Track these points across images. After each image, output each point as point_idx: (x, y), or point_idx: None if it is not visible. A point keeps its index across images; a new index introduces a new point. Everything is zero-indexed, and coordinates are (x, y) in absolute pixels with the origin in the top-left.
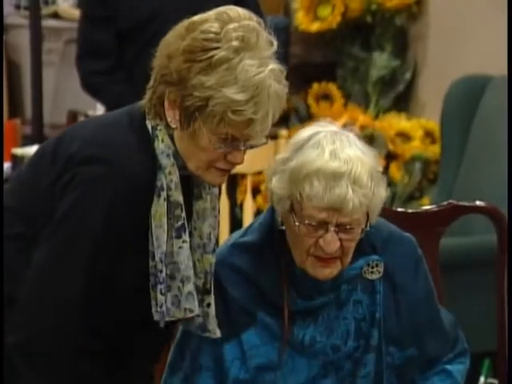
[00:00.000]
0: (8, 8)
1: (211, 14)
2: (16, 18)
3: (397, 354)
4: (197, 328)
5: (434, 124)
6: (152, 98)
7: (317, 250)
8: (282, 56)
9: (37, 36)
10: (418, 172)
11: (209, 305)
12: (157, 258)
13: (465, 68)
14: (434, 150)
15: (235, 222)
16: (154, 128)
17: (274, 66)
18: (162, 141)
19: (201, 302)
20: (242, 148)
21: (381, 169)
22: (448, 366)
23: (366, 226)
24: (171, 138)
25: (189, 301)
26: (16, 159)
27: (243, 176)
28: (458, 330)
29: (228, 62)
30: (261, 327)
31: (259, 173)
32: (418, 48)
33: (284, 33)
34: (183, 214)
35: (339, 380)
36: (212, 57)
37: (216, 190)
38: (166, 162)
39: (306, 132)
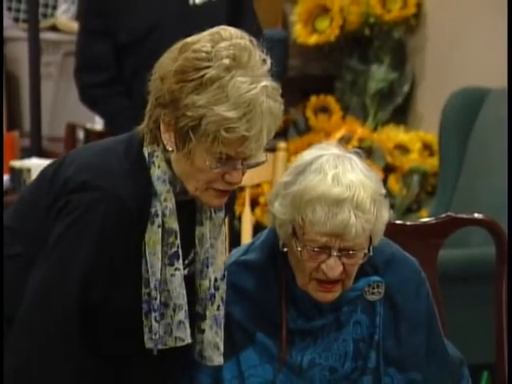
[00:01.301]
0: (7, 21)
1: (205, 34)
2: (15, 31)
3: (396, 376)
4: (197, 355)
5: (432, 136)
6: (149, 123)
7: (319, 274)
8: (281, 69)
9: (35, 49)
10: (416, 184)
11: (203, 331)
12: (151, 286)
13: (463, 80)
14: (432, 163)
15: (234, 235)
16: (151, 155)
17: (267, 82)
18: (159, 167)
19: (198, 328)
20: (240, 167)
21: (383, 191)
22: None
23: (368, 251)
24: (168, 162)
25: (180, 329)
26: (14, 172)
27: (242, 188)
28: (464, 368)
29: (219, 80)
30: (259, 347)
31: (258, 185)
32: (416, 61)
33: (282, 45)
34: (177, 242)
35: None
36: (203, 76)
37: (221, 215)
38: (162, 188)
39: (308, 155)
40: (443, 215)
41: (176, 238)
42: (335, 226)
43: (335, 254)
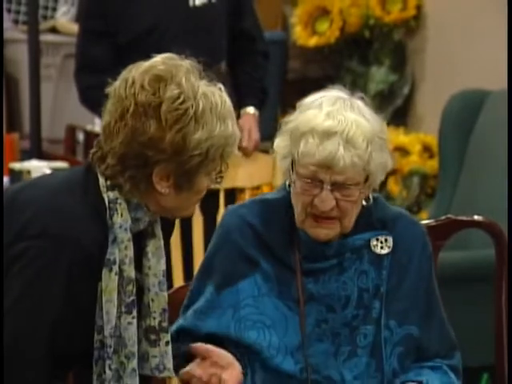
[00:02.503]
0: (6, 23)
1: (146, 82)
2: (14, 33)
3: (396, 329)
4: (153, 369)
5: (432, 138)
6: (131, 182)
7: (314, 209)
8: (281, 70)
9: (35, 50)
10: (416, 186)
11: (167, 343)
12: (106, 333)
13: (463, 82)
14: (432, 165)
15: None
16: (113, 201)
17: (219, 85)
18: (121, 215)
19: (156, 341)
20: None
21: (385, 136)
22: (445, 367)
23: (365, 188)
24: (137, 206)
25: (132, 377)
26: (14, 173)
27: (242, 190)
28: (457, 352)
29: (205, 108)
30: (260, 277)
31: (257, 187)
32: (416, 62)
33: (282, 47)
34: (134, 290)
35: (336, 345)
36: (195, 113)
37: (165, 228)
38: (123, 236)
39: (313, 96)
40: (443, 217)
41: (133, 286)
42: (324, 156)
43: (328, 187)
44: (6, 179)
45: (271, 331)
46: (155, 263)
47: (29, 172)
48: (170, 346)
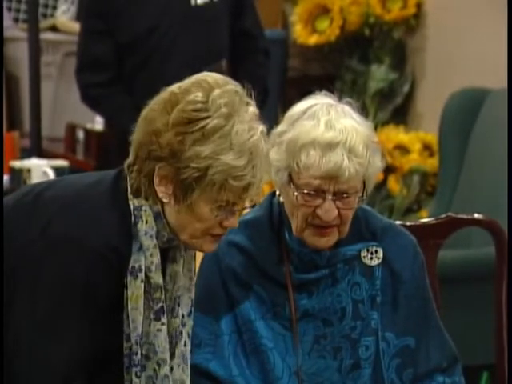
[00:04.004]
0: (7, 21)
1: (189, 83)
2: (14, 31)
3: (393, 341)
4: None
5: (432, 137)
6: (139, 177)
7: (315, 220)
8: (281, 69)
9: (35, 49)
10: (416, 185)
11: (171, 369)
12: (132, 340)
13: (463, 81)
14: (432, 163)
15: None
16: (138, 208)
17: (262, 127)
18: (146, 222)
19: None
20: (238, 211)
21: (376, 139)
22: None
23: (362, 195)
24: (158, 215)
25: (164, 383)
26: (14, 172)
27: None
28: (458, 364)
29: (221, 129)
30: (255, 301)
31: None
32: (416, 61)
33: (282, 46)
34: (163, 297)
35: (338, 360)
36: (204, 126)
37: (191, 252)
38: (149, 243)
39: (301, 105)
40: (443, 216)
41: (161, 293)
42: (329, 168)
43: (330, 197)
44: (6, 177)
45: (274, 353)
46: (170, 287)
47: (29, 170)
48: (172, 373)
